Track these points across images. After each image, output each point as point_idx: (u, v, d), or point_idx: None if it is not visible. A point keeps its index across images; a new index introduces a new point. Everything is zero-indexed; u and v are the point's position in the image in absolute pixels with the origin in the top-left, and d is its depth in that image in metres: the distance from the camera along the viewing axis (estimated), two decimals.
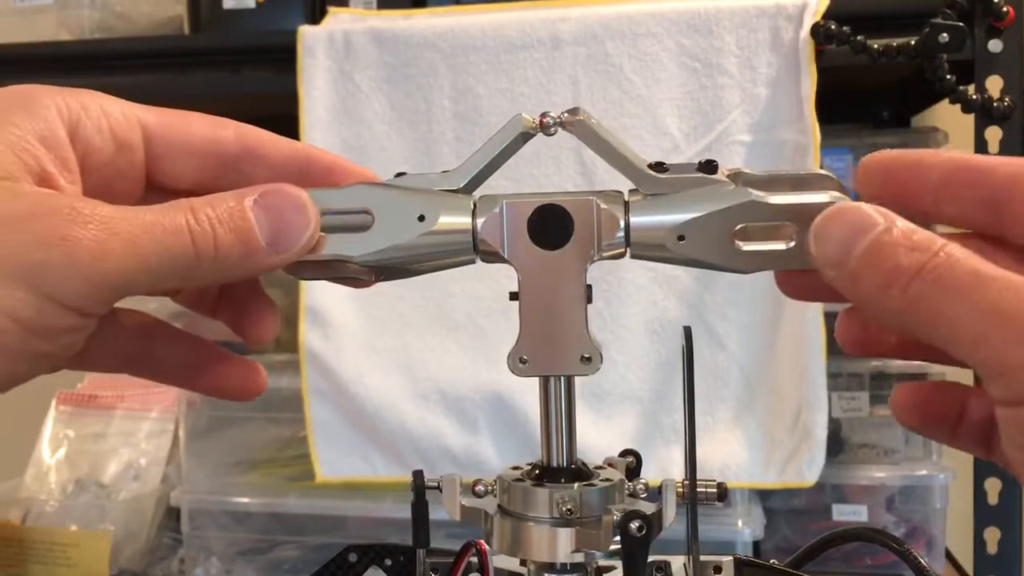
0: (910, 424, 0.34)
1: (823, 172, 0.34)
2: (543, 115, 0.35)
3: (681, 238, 0.33)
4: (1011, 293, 0.27)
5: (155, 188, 0.37)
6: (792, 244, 0.33)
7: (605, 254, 0.34)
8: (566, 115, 0.35)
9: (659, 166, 0.34)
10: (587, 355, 0.35)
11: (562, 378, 0.36)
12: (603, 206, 0.34)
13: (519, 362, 0.35)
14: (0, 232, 0.30)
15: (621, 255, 0.35)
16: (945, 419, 0.34)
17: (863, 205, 0.30)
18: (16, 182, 0.31)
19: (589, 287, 0.35)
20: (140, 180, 0.36)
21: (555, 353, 0.35)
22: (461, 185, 0.36)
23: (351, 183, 0.36)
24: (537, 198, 0.35)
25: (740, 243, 0.33)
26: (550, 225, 0.34)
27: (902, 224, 0.29)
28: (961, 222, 0.32)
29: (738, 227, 0.33)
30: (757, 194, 0.33)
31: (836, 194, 0.33)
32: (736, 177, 0.34)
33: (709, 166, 0.34)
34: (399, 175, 0.37)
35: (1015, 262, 0.31)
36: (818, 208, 0.31)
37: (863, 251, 0.29)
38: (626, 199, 0.34)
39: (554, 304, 0.35)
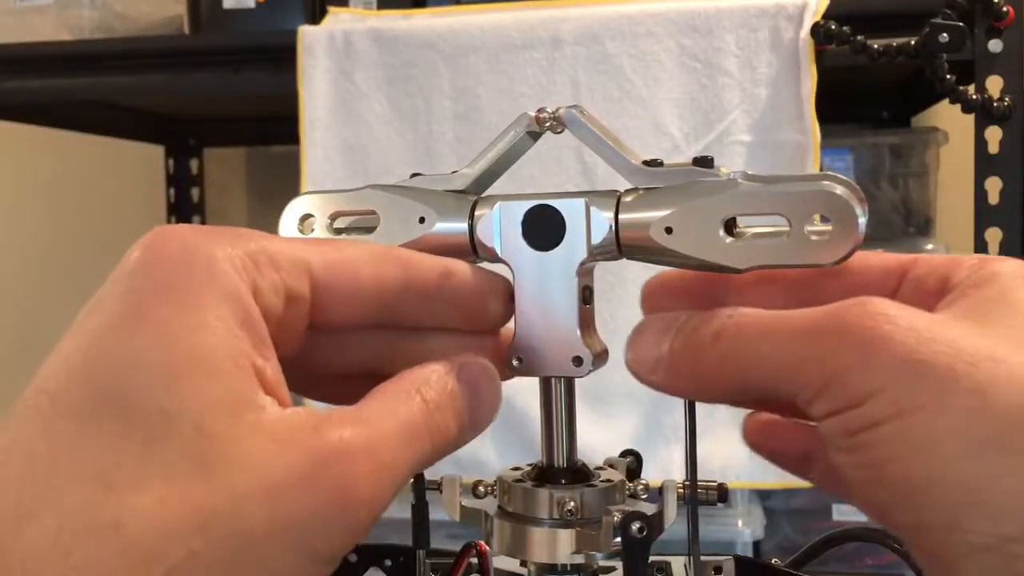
0: (762, 455, 0.36)
1: (832, 175, 0.33)
2: (539, 111, 0.35)
3: (669, 231, 0.33)
4: (809, 317, 0.28)
5: (311, 330, 0.32)
6: (785, 239, 0.31)
7: (597, 255, 0.34)
8: (561, 110, 0.35)
9: (654, 163, 0.34)
10: (578, 356, 0.35)
11: (562, 379, 0.36)
12: (594, 206, 0.34)
13: (514, 362, 0.36)
14: (278, 498, 0.24)
15: (615, 256, 0.35)
16: (790, 455, 0.35)
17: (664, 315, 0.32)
18: (260, 411, 0.26)
19: (588, 288, 0.35)
20: (303, 329, 0.31)
21: (548, 354, 0.35)
22: (467, 185, 0.36)
23: (495, 303, 0.34)
24: (531, 198, 0.35)
25: (729, 237, 0.32)
26: (543, 226, 0.34)
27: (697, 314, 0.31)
28: None
29: (727, 219, 0.32)
30: (746, 184, 0.32)
31: (840, 186, 0.31)
32: (732, 174, 0.33)
33: (704, 161, 0.33)
34: (414, 175, 0.37)
35: None
36: (809, 196, 0.30)
37: (673, 343, 0.31)
38: (620, 198, 0.34)
39: (547, 305, 0.35)
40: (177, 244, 0.27)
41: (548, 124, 0.35)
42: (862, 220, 0.30)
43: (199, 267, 0.26)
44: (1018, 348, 0.26)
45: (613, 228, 0.34)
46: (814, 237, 0.30)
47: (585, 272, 0.35)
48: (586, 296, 0.35)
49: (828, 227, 0.30)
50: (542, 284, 0.34)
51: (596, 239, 0.34)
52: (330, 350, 0.32)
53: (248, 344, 0.26)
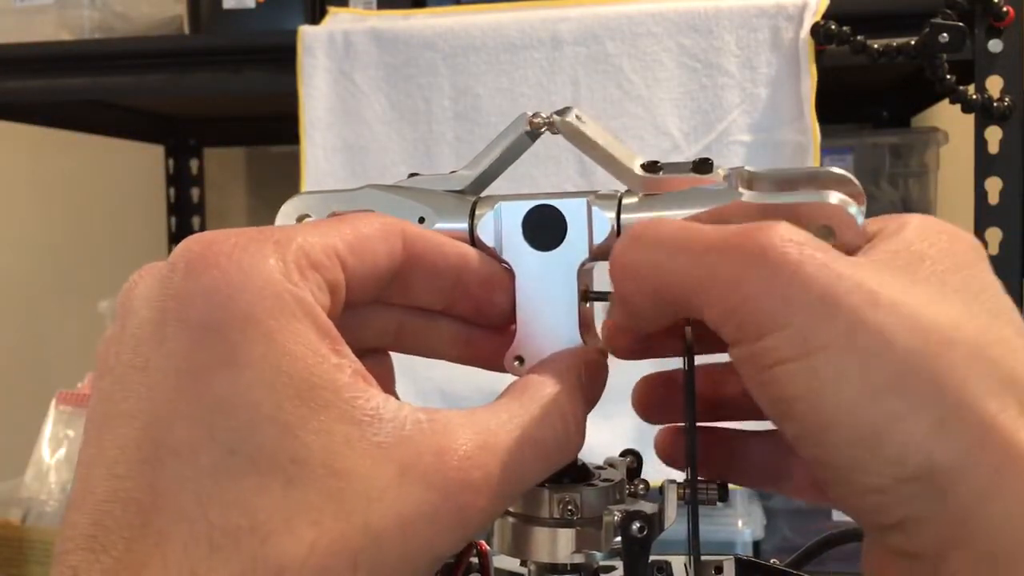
0: (675, 467, 0.36)
1: (835, 171, 0.33)
2: (534, 115, 0.35)
3: None
4: (723, 233, 0.28)
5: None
6: None
7: (599, 255, 0.34)
8: (555, 116, 0.35)
9: (653, 166, 0.34)
10: None
11: None
12: (595, 207, 0.34)
13: (515, 362, 0.36)
14: (410, 532, 0.25)
15: (600, 259, 0.35)
16: (714, 462, 0.35)
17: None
18: (377, 429, 0.26)
19: (588, 289, 0.35)
20: (339, 315, 0.30)
21: (546, 354, 0.35)
22: (467, 186, 0.36)
23: (501, 296, 0.35)
24: (532, 198, 0.35)
25: None
26: (544, 226, 0.34)
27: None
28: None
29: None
30: (748, 194, 0.32)
31: (836, 193, 0.31)
32: (735, 176, 0.33)
33: (703, 165, 0.33)
34: (412, 175, 0.37)
35: None
36: (808, 208, 0.30)
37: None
38: (621, 199, 0.34)
39: (547, 305, 0.35)
40: (233, 266, 0.26)
41: (544, 128, 0.35)
42: (863, 230, 0.30)
43: (264, 290, 0.26)
44: (921, 294, 0.26)
45: (615, 229, 0.34)
46: None
47: (585, 273, 0.35)
48: (586, 297, 0.35)
49: (831, 237, 0.30)
50: (543, 284, 0.34)
51: (598, 239, 0.34)
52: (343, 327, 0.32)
53: (333, 355, 0.26)
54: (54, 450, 1.18)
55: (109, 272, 1.50)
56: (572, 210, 0.34)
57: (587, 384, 0.33)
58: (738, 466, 0.37)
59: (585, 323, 0.35)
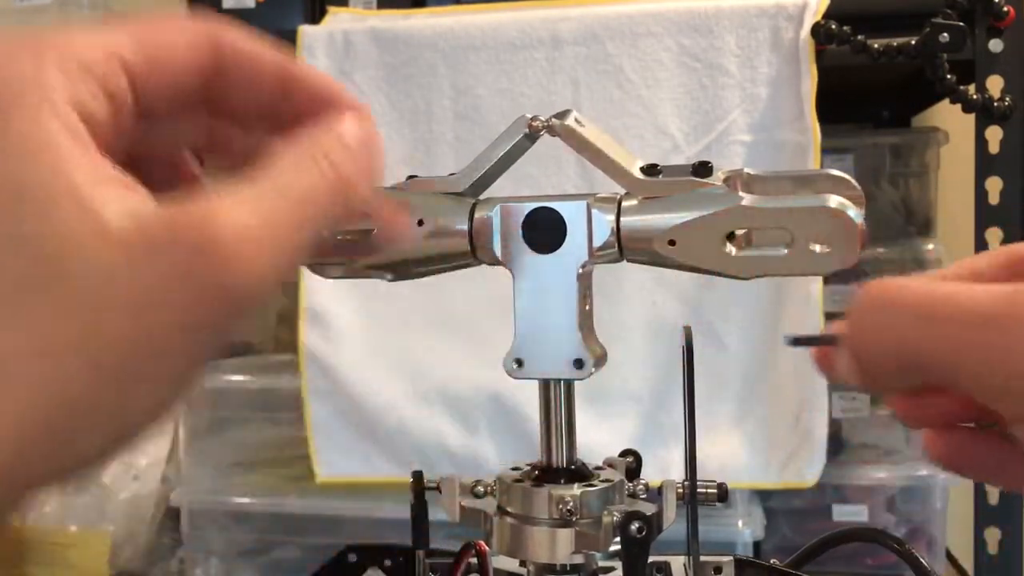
0: (956, 472, 0.33)
1: (834, 173, 0.33)
2: (533, 119, 0.35)
3: (672, 243, 0.33)
4: (983, 297, 0.26)
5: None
6: (787, 250, 0.31)
7: (599, 258, 0.34)
8: (554, 119, 0.35)
9: (652, 169, 0.34)
10: (579, 359, 0.35)
11: (561, 380, 0.36)
12: (595, 209, 0.34)
13: (514, 364, 0.36)
14: (143, 314, 0.24)
15: (616, 259, 0.35)
16: (986, 464, 0.32)
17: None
18: (108, 219, 0.25)
19: (588, 290, 0.35)
20: (129, 117, 0.29)
21: (548, 356, 0.35)
22: (466, 188, 0.36)
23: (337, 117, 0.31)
24: (532, 200, 0.35)
25: (732, 249, 0.32)
26: (544, 228, 0.34)
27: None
28: None
29: (729, 232, 0.32)
30: (748, 198, 0.32)
31: (835, 197, 0.31)
32: (734, 179, 0.33)
33: (703, 168, 0.33)
34: (410, 178, 0.37)
35: None
36: (809, 212, 0.30)
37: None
38: (620, 202, 0.34)
39: (547, 307, 0.35)
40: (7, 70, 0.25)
41: (542, 132, 0.35)
42: (861, 233, 0.31)
43: (12, 88, 0.25)
44: None
45: (615, 231, 0.34)
46: (816, 250, 0.31)
47: (585, 274, 0.35)
48: (586, 298, 0.35)
49: (830, 241, 0.31)
50: (542, 286, 0.34)
51: (597, 241, 0.34)
52: (151, 135, 0.30)
53: (74, 154, 0.25)
54: None
55: None
56: (572, 213, 0.34)
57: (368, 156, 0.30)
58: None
59: (585, 325, 0.35)
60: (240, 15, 1.09)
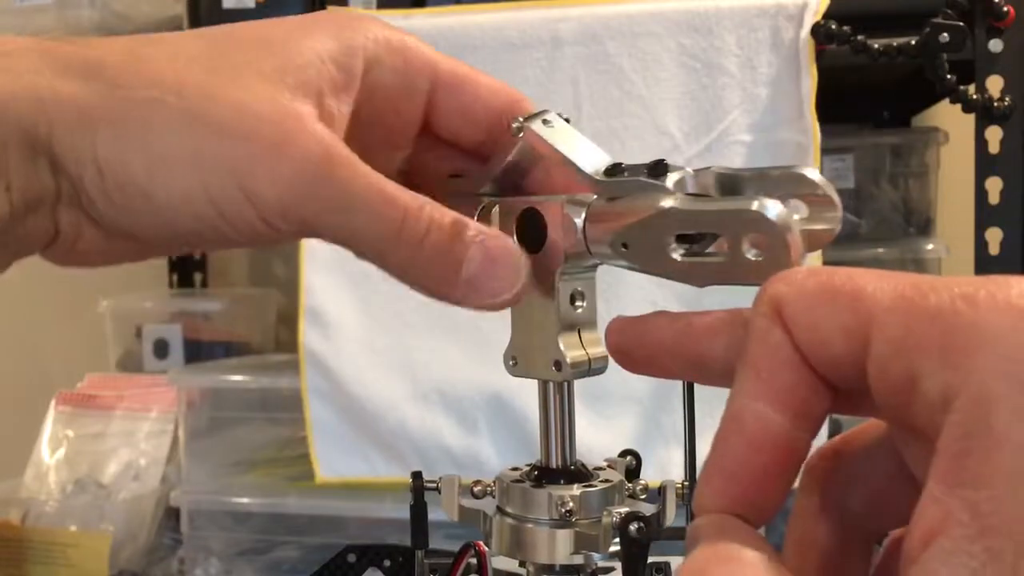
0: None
1: (798, 171, 0.31)
2: (513, 120, 0.35)
3: (625, 246, 0.32)
4: None
5: (430, 136, 0.37)
6: (724, 258, 0.29)
7: (574, 259, 0.34)
8: (522, 120, 0.35)
9: (615, 168, 0.33)
10: (557, 361, 0.35)
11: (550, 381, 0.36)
12: (567, 211, 0.34)
13: (510, 362, 0.36)
14: (244, 117, 0.31)
15: (593, 262, 0.34)
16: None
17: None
18: (286, 90, 0.32)
19: (578, 291, 0.35)
20: (415, 124, 0.37)
21: (534, 357, 0.35)
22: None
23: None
24: (525, 201, 0.35)
25: (675, 255, 0.31)
26: (531, 227, 0.34)
27: None
28: None
29: (672, 237, 0.30)
30: (678, 200, 0.30)
31: (767, 200, 0.28)
32: (691, 179, 0.32)
33: (657, 168, 0.32)
34: None
35: None
36: (735, 215, 0.28)
37: None
38: (590, 204, 0.33)
39: (534, 307, 0.35)
40: (342, 11, 0.35)
41: (520, 136, 0.35)
42: (792, 238, 0.28)
43: (336, 21, 0.34)
44: None
45: (582, 235, 0.33)
46: (751, 257, 0.29)
47: (572, 275, 0.35)
48: (575, 298, 0.35)
49: (762, 249, 0.28)
50: (531, 286, 0.35)
51: (568, 244, 0.34)
52: (435, 163, 0.37)
53: (327, 76, 0.33)
54: (54, 450, 1.18)
55: (109, 272, 1.50)
56: (550, 213, 0.34)
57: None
58: None
59: (568, 327, 0.35)
60: (240, 15, 1.09)
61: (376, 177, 0.32)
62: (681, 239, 0.30)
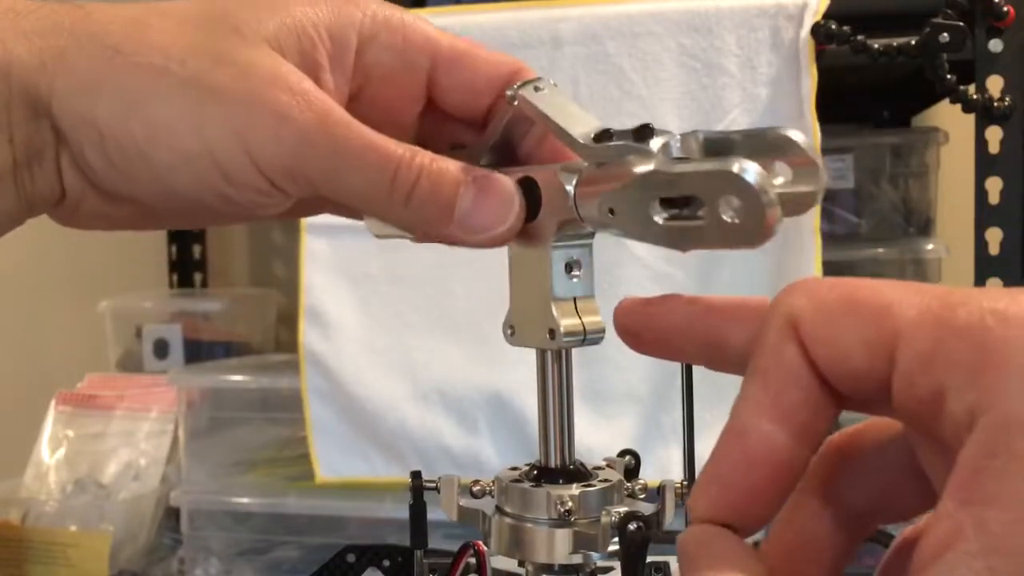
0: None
1: (784, 132, 0.30)
2: (506, 89, 0.36)
3: (612, 211, 0.32)
4: None
5: (437, 111, 0.38)
6: (704, 221, 0.29)
7: (568, 226, 0.34)
8: (516, 88, 0.35)
9: (604, 134, 0.33)
10: (551, 329, 0.35)
11: (549, 352, 0.36)
12: (560, 178, 0.33)
13: (509, 331, 0.36)
14: (246, 82, 0.32)
15: (586, 230, 0.34)
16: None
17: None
18: (282, 54, 0.33)
19: (574, 260, 0.35)
20: (418, 99, 0.37)
21: (530, 326, 0.35)
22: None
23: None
24: (523, 170, 0.35)
25: (658, 219, 0.30)
26: (528, 196, 0.34)
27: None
28: None
29: (655, 201, 0.30)
30: (663, 163, 0.30)
31: (745, 162, 0.28)
32: (675, 143, 0.32)
33: (643, 131, 0.32)
34: None
35: None
36: (710, 176, 0.28)
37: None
38: (582, 170, 0.33)
39: (528, 275, 0.35)
40: None
41: (515, 103, 0.35)
42: (767, 199, 0.27)
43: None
44: None
45: (573, 202, 0.33)
46: (727, 220, 0.28)
47: (567, 244, 0.35)
48: (571, 267, 0.35)
49: (738, 211, 0.28)
50: (525, 255, 0.35)
51: (561, 211, 0.34)
52: (443, 138, 0.37)
53: (322, 45, 0.34)
54: (54, 450, 1.18)
55: (109, 272, 1.50)
56: (545, 180, 0.34)
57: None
58: None
59: (564, 295, 0.35)
60: None
61: (369, 132, 0.33)
62: (667, 204, 0.30)
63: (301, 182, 0.33)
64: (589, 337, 0.35)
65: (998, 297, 0.22)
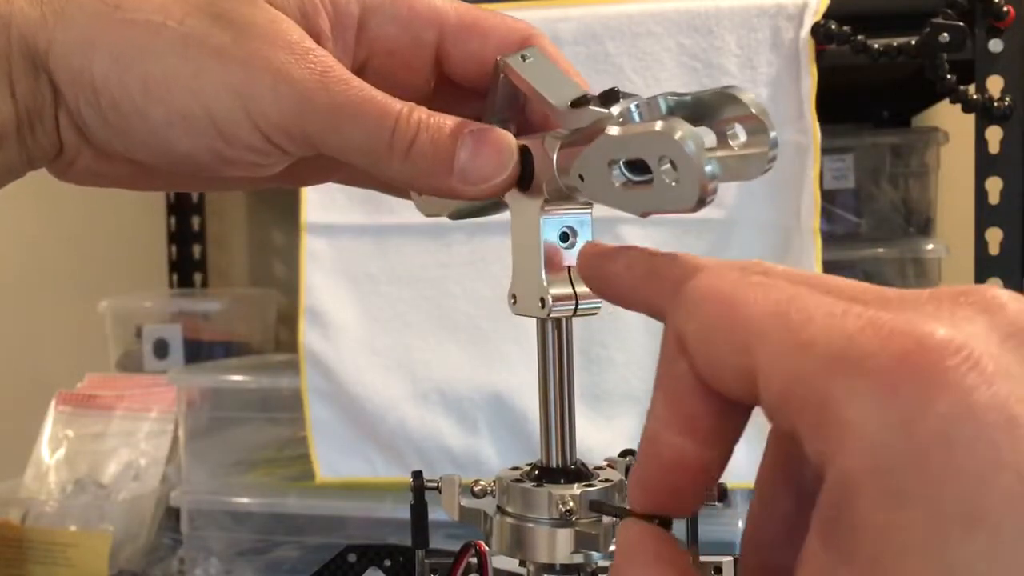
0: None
1: (730, 91, 0.30)
2: (499, 59, 0.36)
3: (582, 177, 0.32)
4: None
5: (448, 83, 0.38)
6: (650, 184, 0.29)
7: (553, 193, 0.34)
8: (503, 58, 0.36)
9: (582, 100, 0.33)
10: (542, 298, 0.35)
11: (550, 322, 0.36)
12: (545, 145, 0.34)
13: (511, 300, 0.36)
14: (245, 40, 0.32)
15: (571, 195, 0.34)
16: None
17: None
18: (290, 19, 0.33)
19: (570, 228, 0.35)
20: (428, 73, 0.37)
21: (526, 295, 0.35)
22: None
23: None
24: (521, 139, 0.35)
25: (616, 181, 0.30)
26: (524, 165, 0.35)
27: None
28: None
29: (612, 165, 0.30)
30: (617, 127, 0.30)
31: (676, 122, 0.28)
32: (642, 107, 0.32)
33: (607, 96, 0.32)
34: None
35: None
36: (647, 137, 0.28)
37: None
38: (564, 138, 0.33)
39: (525, 245, 0.35)
40: None
41: (502, 75, 0.36)
42: (696, 158, 0.27)
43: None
44: None
45: (556, 168, 0.33)
46: (667, 181, 0.28)
47: (562, 212, 0.35)
48: (566, 236, 0.35)
49: (675, 171, 0.28)
50: (522, 223, 0.35)
51: (547, 179, 0.34)
52: (457, 109, 0.36)
53: (324, 11, 0.34)
54: (53, 450, 1.18)
55: (109, 272, 1.50)
56: (535, 148, 0.34)
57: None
58: None
59: (555, 264, 0.35)
60: None
61: (368, 88, 0.33)
62: (630, 169, 0.30)
63: (299, 140, 0.33)
64: (581, 305, 0.35)
65: (860, 325, 0.21)
